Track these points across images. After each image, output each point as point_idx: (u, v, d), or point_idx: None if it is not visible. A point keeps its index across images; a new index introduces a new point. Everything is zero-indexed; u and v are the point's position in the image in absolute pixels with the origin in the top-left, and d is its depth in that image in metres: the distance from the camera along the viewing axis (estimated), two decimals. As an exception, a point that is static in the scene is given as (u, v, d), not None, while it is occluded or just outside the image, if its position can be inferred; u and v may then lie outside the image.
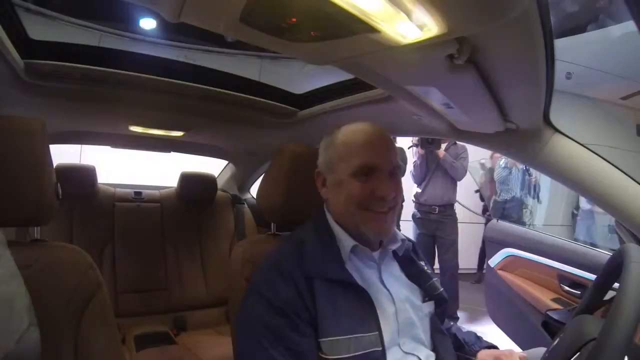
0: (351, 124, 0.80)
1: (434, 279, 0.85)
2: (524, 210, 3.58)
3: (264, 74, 1.74)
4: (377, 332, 0.69)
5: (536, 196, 3.64)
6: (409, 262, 0.85)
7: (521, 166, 3.60)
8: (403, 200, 1.92)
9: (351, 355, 0.66)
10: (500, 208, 3.58)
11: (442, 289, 0.85)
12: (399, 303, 0.75)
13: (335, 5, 0.42)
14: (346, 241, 0.76)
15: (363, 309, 0.70)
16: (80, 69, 1.08)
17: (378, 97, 1.09)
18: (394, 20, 0.45)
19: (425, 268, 0.87)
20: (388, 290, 0.76)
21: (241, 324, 0.71)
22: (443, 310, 0.84)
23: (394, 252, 0.83)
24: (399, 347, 0.72)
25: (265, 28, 0.51)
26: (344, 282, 0.71)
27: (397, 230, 0.83)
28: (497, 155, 3.67)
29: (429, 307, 0.81)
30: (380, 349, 0.68)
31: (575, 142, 0.91)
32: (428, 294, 0.82)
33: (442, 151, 2.98)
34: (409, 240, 0.87)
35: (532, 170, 3.58)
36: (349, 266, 0.74)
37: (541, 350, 0.84)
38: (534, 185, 3.63)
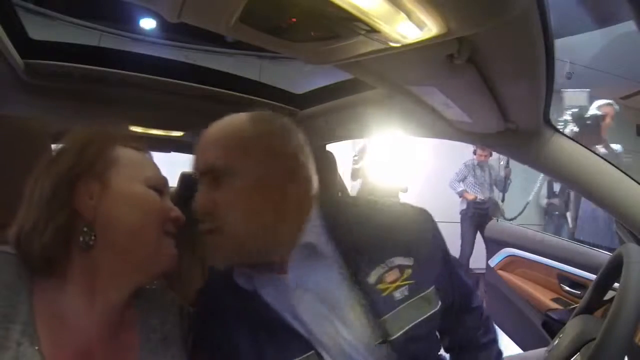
0: None
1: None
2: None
3: (264, 73, 1.74)
4: (313, 351, 0.56)
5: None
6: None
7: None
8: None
9: None
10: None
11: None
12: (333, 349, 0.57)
13: (335, 5, 0.42)
14: None
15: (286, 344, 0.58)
16: (80, 69, 1.08)
17: (378, 97, 1.09)
18: (394, 20, 0.45)
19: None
20: (308, 330, 0.58)
21: None
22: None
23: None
24: None
25: (265, 28, 0.51)
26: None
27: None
28: (483, 159, 3.72)
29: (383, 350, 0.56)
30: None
31: (575, 142, 0.91)
32: (382, 330, 0.57)
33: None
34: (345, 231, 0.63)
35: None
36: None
37: (541, 351, 0.84)
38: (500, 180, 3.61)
